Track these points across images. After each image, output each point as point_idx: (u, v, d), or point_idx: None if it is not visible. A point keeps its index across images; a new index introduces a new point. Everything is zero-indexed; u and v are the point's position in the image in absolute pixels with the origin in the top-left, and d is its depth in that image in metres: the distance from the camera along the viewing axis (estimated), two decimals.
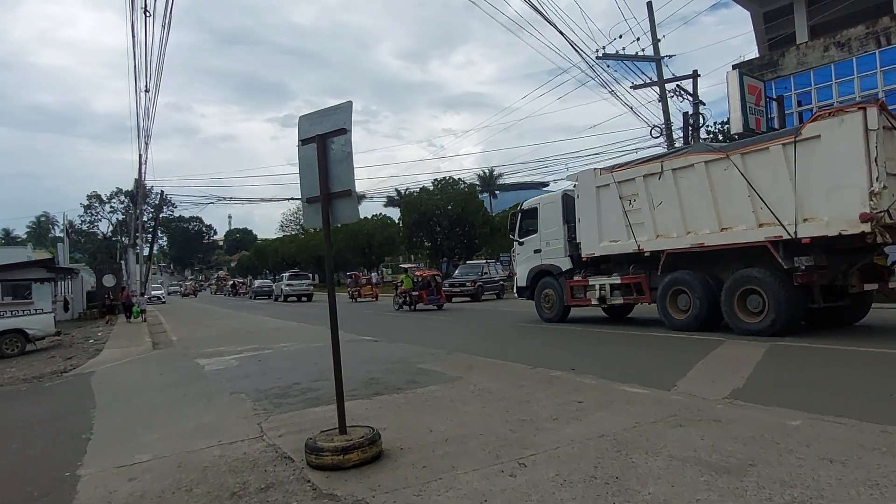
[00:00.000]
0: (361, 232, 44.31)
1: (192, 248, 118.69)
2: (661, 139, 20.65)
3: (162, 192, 35.03)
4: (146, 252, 37.51)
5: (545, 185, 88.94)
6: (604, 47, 20.35)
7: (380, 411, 5.83)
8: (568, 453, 4.14)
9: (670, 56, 21.05)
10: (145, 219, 41.64)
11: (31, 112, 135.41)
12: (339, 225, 4.31)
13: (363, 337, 12.91)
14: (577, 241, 13.37)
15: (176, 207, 76.14)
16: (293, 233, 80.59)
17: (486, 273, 28.06)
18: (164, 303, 45.77)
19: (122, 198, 67.40)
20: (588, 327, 12.90)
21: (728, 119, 20.28)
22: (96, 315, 28.59)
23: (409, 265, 35.41)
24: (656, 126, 20.73)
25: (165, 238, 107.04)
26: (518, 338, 12.39)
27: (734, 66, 20.15)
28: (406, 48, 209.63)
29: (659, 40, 20.61)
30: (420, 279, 24.01)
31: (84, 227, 74.23)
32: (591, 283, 13.16)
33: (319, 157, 4.43)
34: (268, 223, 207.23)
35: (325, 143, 4.44)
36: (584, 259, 13.33)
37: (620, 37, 22.11)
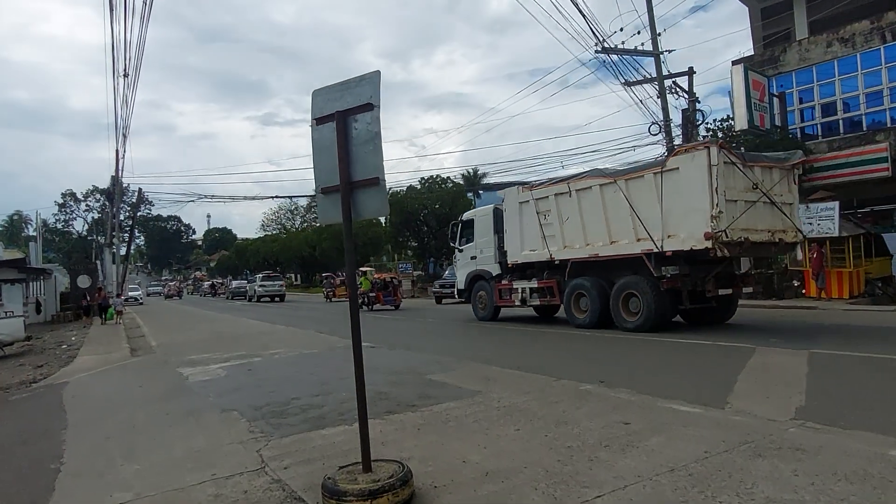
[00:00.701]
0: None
1: (170, 248, 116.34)
2: (661, 136, 20.12)
3: (140, 189, 33.79)
4: (123, 252, 36.25)
5: (527, 184, 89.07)
6: (603, 41, 19.68)
7: (397, 435, 5.09)
8: (641, 495, 3.46)
9: (669, 51, 20.45)
10: (122, 217, 40.34)
11: (4, 109, 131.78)
12: (362, 219, 3.55)
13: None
14: (505, 249, 14.99)
15: (154, 206, 74.67)
16: (274, 232, 79.16)
17: None
18: (141, 304, 44.37)
19: (98, 196, 65.57)
20: (569, 330, 12.49)
21: (729, 116, 19.82)
22: (70, 318, 27.36)
23: (400, 264, 34.68)
24: (655, 122, 20.21)
25: (143, 237, 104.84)
26: (524, 344, 11.72)
27: (734, 63, 19.73)
28: (387, 48, 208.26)
29: (659, 34, 20.08)
30: (378, 281, 25.80)
31: (58, 226, 72.19)
32: (514, 286, 14.85)
33: (339, 138, 3.68)
34: (247, 223, 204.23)
35: (346, 121, 3.70)
36: (510, 265, 14.98)
37: (621, 29, 21.39)
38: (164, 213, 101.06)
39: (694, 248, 10.69)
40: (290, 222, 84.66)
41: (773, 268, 18.73)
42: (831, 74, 18.33)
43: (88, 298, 26.25)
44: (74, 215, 71.65)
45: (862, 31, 17.60)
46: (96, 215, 66.65)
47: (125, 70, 14.34)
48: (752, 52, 22.66)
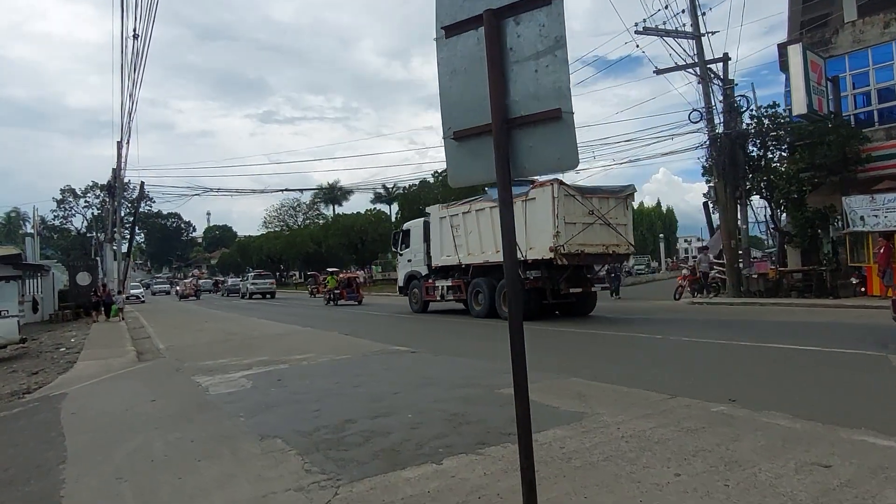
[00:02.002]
0: (353, 228, 41.99)
1: (170, 246, 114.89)
2: (701, 123, 18.81)
3: (142, 183, 32.40)
4: (124, 248, 34.86)
5: (533, 181, 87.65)
6: (644, 20, 18.38)
7: (508, 480, 3.79)
8: None
9: (713, 32, 19.12)
10: (123, 213, 38.97)
11: (1, 106, 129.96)
12: (529, 176, 2.20)
13: (393, 346, 10.81)
14: (430, 255, 18.42)
15: (154, 203, 73.26)
16: (277, 229, 77.81)
17: None
18: (143, 302, 42.95)
19: (98, 192, 64.00)
20: (548, 326, 10.99)
21: (775, 102, 18.56)
22: (69, 317, 25.99)
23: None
24: (696, 110, 18.89)
25: (143, 235, 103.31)
26: (575, 348, 10.42)
27: (789, 43, 18.36)
28: (387, 46, 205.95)
29: (704, 13, 18.74)
30: (343, 280, 30.15)
31: (57, 222, 70.64)
32: (436, 284, 18.36)
33: (492, 51, 2.37)
34: (247, 220, 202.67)
35: (502, 25, 2.38)
36: (434, 268, 18.47)
37: (666, 7, 19.75)
38: (166, 210, 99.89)
39: (544, 257, 14.18)
40: (293, 219, 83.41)
41: (825, 265, 17.44)
42: (889, 57, 17.00)
43: (98, 294, 25.09)
44: (73, 212, 70.11)
45: None
46: (96, 211, 65.11)
47: (135, 30, 12.93)
48: (787, 39, 21.37)
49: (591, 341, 11.18)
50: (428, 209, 19.38)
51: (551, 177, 14.11)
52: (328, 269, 34.91)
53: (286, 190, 37.82)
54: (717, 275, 20.73)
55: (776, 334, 10.29)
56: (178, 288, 57.42)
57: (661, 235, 54.52)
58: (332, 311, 23.89)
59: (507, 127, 2.36)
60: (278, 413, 6.05)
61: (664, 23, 19.14)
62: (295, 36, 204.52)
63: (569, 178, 16.65)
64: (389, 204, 70.73)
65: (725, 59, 21.22)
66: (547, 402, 5.74)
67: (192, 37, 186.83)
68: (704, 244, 25.03)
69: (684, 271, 21.78)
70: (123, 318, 23.41)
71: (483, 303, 16.14)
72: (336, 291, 28.88)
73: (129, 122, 27.80)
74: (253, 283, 41.47)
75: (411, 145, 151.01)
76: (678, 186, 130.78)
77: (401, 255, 20.71)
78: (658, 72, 21.95)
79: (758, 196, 19.43)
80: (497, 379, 7.11)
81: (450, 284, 17.63)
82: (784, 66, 20.10)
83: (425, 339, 12.39)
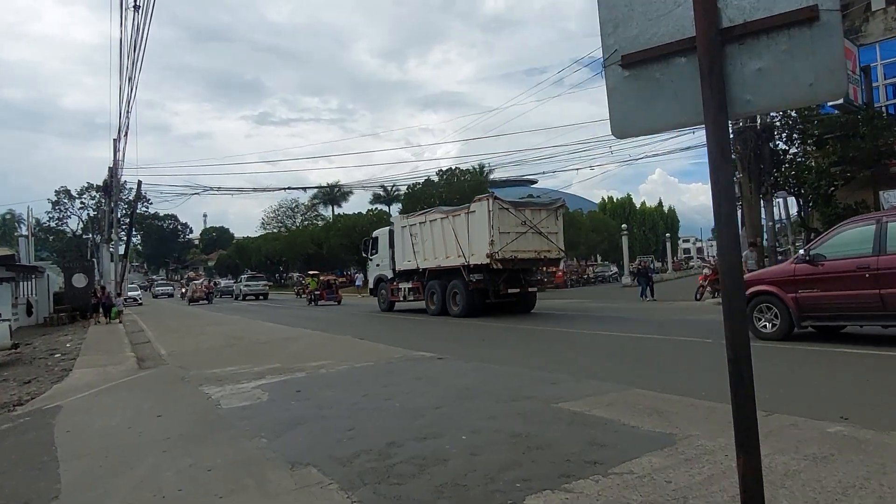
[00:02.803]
0: (355, 228, 41.15)
1: (167, 247, 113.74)
2: None
3: (139, 182, 31.45)
4: (121, 250, 33.93)
5: (534, 182, 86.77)
6: None
7: None
8: None
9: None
10: (119, 214, 38.04)
11: None
12: (773, 110, 1.33)
13: (416, 352, 9.99)
14: (395, 260, 20.46)
15: (151, 203, 72.21)
16: (276, 230, 76.89)
17: None
18: (140, 304, 42.02)
19: (94, 193, 62.91)
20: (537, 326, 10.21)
21: None
22: (65, 320, 25.09)
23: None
24: None
25: (139, 236, 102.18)
26: (603, 351, 9.60)
27: None
28: (383, 47, 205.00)
29: None
30: (323, 282, 32.22)
31: (52, 224, 69.53)
32: (399, 286, 20.53)
33: None
34: (243, 221, 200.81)
35: None
36: (397, 271, 20.49)
37: None
38: (163, 211, 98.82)
39: (482, 262, 16.16)
40: (291, 220, 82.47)
41: None
42: None
43: (97, 296, 24.33)
44: (69, 213, 69.00)
45: None
46: (92, 213, 64.02)
47: (136, 1, 11.94)
48: None
49: (617, 344, 10.37)
50: (392, 218, 22.46)
51: (486, 194, 17.80)
52: (310, 273, 37.95)
53: (288, 188, 37.13)
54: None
55: (845, 338, 9.50)
56: (183, 290, 53.00)
57: (668, 235, 53.65)
58: (326, 312, 24.65)
59: (721, 40, 1.57)
60: (305, 433, 5.23)
61: None
62: (291, 37, 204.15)
63: (581, 185, 16.24)
64: (388, 204, 69.94)
65: None
66: (621, 419, 4.94)
67: (188, 38, 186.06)
68: (752, 240, 23.40)
69: (706, 270, 20.99)
70: (122, 322, 22.84)
71: (437, 302, 18.32)
72: (317, 292, 31.39)
73: (126, 113, 26.82)
74: (246, 286, 43.33)
75: (407, 146, 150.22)
76: (674, 187, 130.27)
77: (370, 260, 23.16)
78: None
79: (785, 191, 18.66)
80: (546, 390, 6.32)
81: (410, 286, 19.89)
82: None
83: (444, 343, 11.56)
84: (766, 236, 18.91)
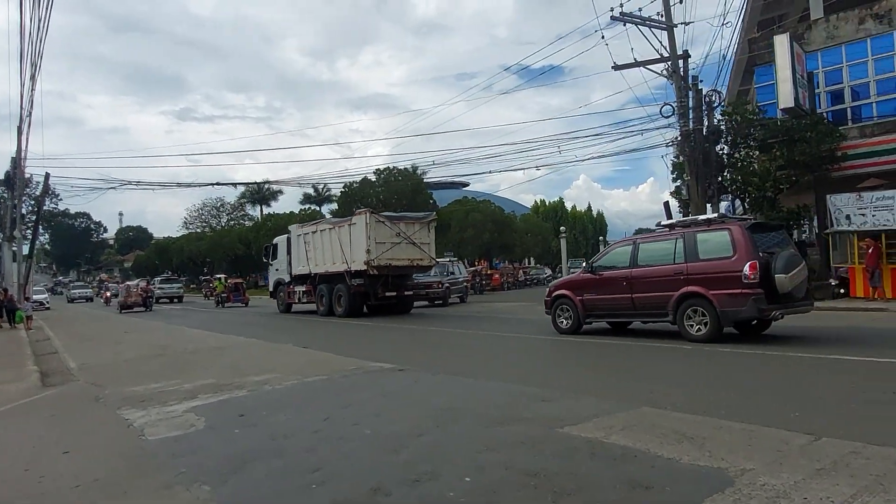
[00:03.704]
0: (287, 228, 39.29)
1: (78, 247, 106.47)
2: (673, 118, 17.92)
3: (46, 175, 28.48)
4: (25, 249, 30.70)
5: (466, 184, 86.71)
6: (622, 5, 17.26)
7: None
8: None
9: (686, 23, 18.23)
10: (24, 211, 34.68)
11: None
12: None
13: (372, 363, 8.93)
14: (292, 265, 22.01)
15: (61, 199, 66.97)
16: (199, 230, 73.04)
17: (451, 273, 24.49)
18: (48, 308, 38.37)
19: None
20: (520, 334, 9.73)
21: (745, 100, 17.95)
22: None
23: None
24: (668, 104, 17.99)
25: (48, 235, 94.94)
26: (575, 360, 8.92)
27: (750, 41, 17.81)
28: (313, 46, 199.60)
29: (673, 4, 17.87)
30: (230, 284, 33.20)
31: None
32: (295, 289, 22.19)
33: None
34: (163, 222, 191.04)
35: None
36: (293, 276, 22.06)
37: (621, 5, 18.82)
38: (74, 208, 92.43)
39: (361, 269, 17.94)
40: (216, 220, 78.73)
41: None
42: (864, 54, 16.66)
43: (0, 298, 21.75)
44: None
45: None
46: None
47: None
48: (747, 38, 20.99)
49: (585, 352, 9.73)
50: (290, 227, 23.58)
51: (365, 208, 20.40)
52: (216, 276, 39.04)
53: (217, 184, 34.28)
54: None
55: (813, 343, 9.18)
56: (109, 293, 45.08)
57: (602, 238, 54.52)
58: (242, 316, 24.50)
59: None
60: (260, 475, 4.14)
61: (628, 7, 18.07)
62: (215, 31, 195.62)
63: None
64: (319, 205, 67.86)
65: (686, 55, 20.59)
66: (650, 448, 4.14)
67: (103, 27, 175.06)
68: None
69: None
70: (30, 327, 20.66)
71: (325, 304, 19.90)
72: (223, 295, 32.22)
73: (30, 100, 24.19)
74: (160, 288, 42.78)
75: (337, 145, 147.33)
76: (598, 192, 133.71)
77: (271, 265, 24.87)
78: (616, 67, 21.06)
79: (731, 195, 18.80)
80: (540, 410, 5.49)
81: (304, 290, 21.52)
82: (752, 63, 19.65)
83: (390, 351, 10.57)
84: None
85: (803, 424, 4.54)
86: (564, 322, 11.51)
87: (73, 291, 56.24)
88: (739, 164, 18.11)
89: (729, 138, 18.07)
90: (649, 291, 10.03)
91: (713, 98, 18.05)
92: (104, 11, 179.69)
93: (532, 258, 59.89)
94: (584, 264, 14.49)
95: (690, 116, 18.24)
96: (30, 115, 23.57)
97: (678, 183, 22.65)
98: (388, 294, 18.89)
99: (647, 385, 6.54)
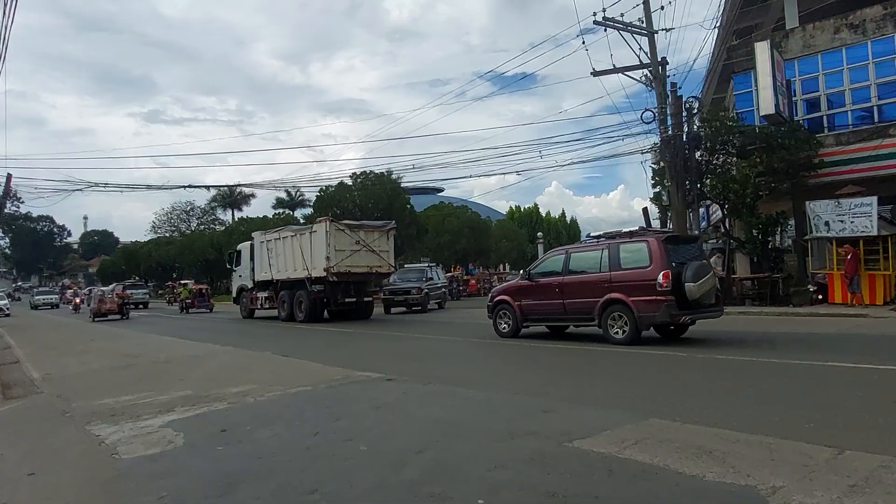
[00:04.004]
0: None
1: (40, 252, 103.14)
2: (654, 124, 17.95)
3: (9, 175, 27.38)
4: None
5: (440, 190, 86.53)
6: (605, 10, 17.26)
7: None
8: None
9: (667, 29, 18.33)
10: None
11: None
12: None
13: (358, 372, 8.58)
14: (254, 272, 22.41)
15: (23, 202, 64.82)
16: (168, 235, 71.40)
17: (430, 278, 24.15)
18: (7, 315, 36.87)
19: None
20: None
21: (723, 106, 18.07)
22: None
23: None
24: (648, 109, 18.01)
25: (8, 239, 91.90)
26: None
27: (730, 49, 17.98)
28: (284, 49, 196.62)
29: (654, 10, 17.94)
30: (195, 290, 33.41)
31: None
32: (257, 296, 22.48)
33: None
34: (129, 226, 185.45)
35: None
36: (256, 282, 22.44)
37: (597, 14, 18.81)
38: (37, 211, 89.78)
39: (322, 276, 18.22)
40: (185, 224, 77.11)
41: (779, 271, 17.04)
42: (839, 63, 16.90)
43: None
44: None
45: (874, 17, 16.30)
46: None
47: None
48: (722, 46, 21.22)
49: (567, 358, 9.53)
50: (253, 234, 23.90)
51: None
52: (181, 282, 39.04)
53: (189, 186, 33.30)
54: None
55: (806, 349, 9.12)
56: (78, 299, 41.96)
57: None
58: (212, 322, 24.15)
59: None
60: (250, 499, 3.77)
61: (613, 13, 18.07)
62: (184, 32, 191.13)
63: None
64: (293, 209, 66.87)
65: (664, 62, 20.72)
66: (669, 464, 3.90)
67: (69, 26, 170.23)
68: (719, 247, 22.37)
69: None
70: None
71: (286, 310, 20.32)
72: (188, 300, 32.21)
73: None
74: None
75: (310, 150, 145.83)
76: (569, 199, 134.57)
77: (234, 271, 25.22)
78: (595, 73, 21.11)
79: (710, 200, 18.89)
80: (546, 422, 5.24)
81: (266, 295, 21.87)
82: (730, 70, 19.82)
83: (374, 359, 10.21)
84: None
85: (821, 436, 4.36)
86: (504, 326, 12.25)
87: (37, 297, 51.31)
88: (718, 170, 18.20)
89: (707, 144, 18.14)
90: (578, 297, 10.84)
91: (692, 105, 18.12)
92: (70, 10, 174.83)
93: (507, 264, 59.96)
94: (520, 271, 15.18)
95: (669, 123, 18.34)
96: None
97: (657, 189, 22.77)
98: (347, 300, 19.44)
99: (642, 391, 6.33)
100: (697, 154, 18.23)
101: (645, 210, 24.96)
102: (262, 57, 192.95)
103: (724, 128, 17.61)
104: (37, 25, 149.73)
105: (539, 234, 38.26)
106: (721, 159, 18.44)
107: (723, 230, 18.97)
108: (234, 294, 25.63)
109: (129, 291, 39.74)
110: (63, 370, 10.67)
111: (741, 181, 16.63)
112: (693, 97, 18.39)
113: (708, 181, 18.08)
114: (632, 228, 11.59)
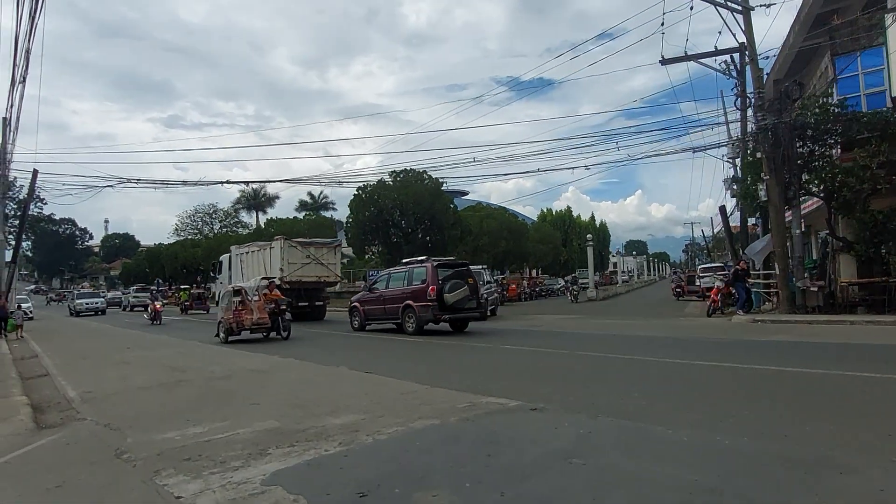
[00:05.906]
0: (292, 233, 37.01)
1: (62, 255, 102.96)
2: (750, 111, 15.97)
3: (35, 171, 25.92)
4: (8, 255, 28.11)
5: (465, 193, 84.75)
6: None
7: None
8: None
9: (768, 5, 16.31)
10: (7, 211, 32.10)
11: None
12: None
13: (485, 398, 6.71)
14: (231, 280, 24.67)
15: (45, 203, 64.08)
16: (192, 237, 70.38)
17: (487, 282, 22.35)
18: (31, 318, 35.40)
19: None
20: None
21: (827, 91, 16.11)
22: None
23: (371, 272, 29.08)
24: (744, 94, 16.03)
25: (30, 242, 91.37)
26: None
27: (830, 27, 15.98)
28: (303, 55, 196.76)
29: None
30: (194, 294, 36.60)
31: None
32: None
33: None
34: (149, 230, 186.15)
35: None
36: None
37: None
38: (66, 210, 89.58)
39: (277, 282, 19.19)
40: (209, 227, 76.22)
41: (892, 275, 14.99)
42: None
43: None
44: None
45: None
46: None
47: None
48: (804, 35, 19.23)
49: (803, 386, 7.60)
50: (231, 247, 28.12)
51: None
52: (182, 287, 43.02)
53: (227, 183, 31.56)
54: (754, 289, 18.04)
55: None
56: (158, 304, 30.39)
57: (618, 249, 52.68)
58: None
59: None
60: None
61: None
62: (205, 38, 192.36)
63: None
64: (316, 211, 65.54)
65: (742, 49, 18.83)
66: None
67: (89, 33, 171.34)
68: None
69: (718, 283, 18.92)
70: (22, 335, 19.70)
71: None
72: (187, 303, 35.60)
73: (19, 95, 21.71)
74: (135, 297, 44.40)
75: (326, 157, 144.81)
76: (586, 204, 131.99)
77: (217, 278, 29.25)
78: (664, 62, 19.29)
79: (813, 196, 16.85)
80: (838, 485, 3.34)
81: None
82: (804, 55, 17.82)
83: (478, 377, 8.33)
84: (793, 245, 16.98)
85: None
86: (355, 323, 17.63)
87: (78, 301, 40.37)
88: (817, 162, 16.17)
89: (809, 133, 16.11)
90: (391, 304, 16.04)
91: (792, 90, 16.10)
92: (91, 16, 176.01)
93: (539, 268, 57.86)
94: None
95: (750, 112, 16.38)
96: (19, 114, 21.13)
97: (734, 186, 20.78)
98: (300, 304, 22.81)
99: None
100: (798, 144, 16.19)
101: (722, 209, 23.07)
102: (281, 62, 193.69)
103: (829, 115, 15.57)
104: (56, 31, 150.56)
105: (588, 235, 36.24)
106: (824, 150, 16.41)
107: (827, 230, 16.85)
108: (217, 299, 28.31)
109: (137, 294, 44.80)
110: (103, 387, 8.90)
111: (857, 173, 14.59)
112: (795, 82, 16.35)
113: (811, 174, 16.04)
114: (422, 257, 17.17)
